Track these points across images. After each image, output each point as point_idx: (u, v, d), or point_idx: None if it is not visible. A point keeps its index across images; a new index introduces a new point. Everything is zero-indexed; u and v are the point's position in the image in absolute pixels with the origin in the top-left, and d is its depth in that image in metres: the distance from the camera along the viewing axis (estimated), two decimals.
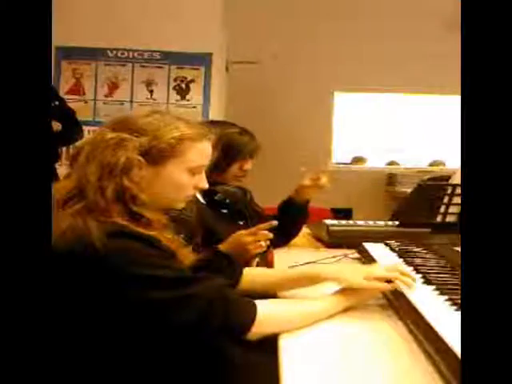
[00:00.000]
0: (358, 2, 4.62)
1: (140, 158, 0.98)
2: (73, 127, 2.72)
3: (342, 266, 1.47)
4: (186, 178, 1.04)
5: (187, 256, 1.02)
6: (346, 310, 1.09)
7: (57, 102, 2.66)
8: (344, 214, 4.29)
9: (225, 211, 1.68)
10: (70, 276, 0.89)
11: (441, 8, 4.19)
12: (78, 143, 1.08)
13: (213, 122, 1.85)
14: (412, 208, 1.93)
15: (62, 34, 3.33)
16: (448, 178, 1.89)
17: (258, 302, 0.97)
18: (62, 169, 3.11)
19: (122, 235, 0.91)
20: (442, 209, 1.84)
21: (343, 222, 2.03)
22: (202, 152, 1.07)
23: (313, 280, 1.15)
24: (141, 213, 0.97)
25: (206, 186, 1.11)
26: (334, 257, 1.62)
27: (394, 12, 4.57)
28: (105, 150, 0.97)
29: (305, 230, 2.02)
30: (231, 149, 1.68)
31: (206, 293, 0.93)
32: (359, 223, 1.97)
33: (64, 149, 3.24)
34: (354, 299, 1.09)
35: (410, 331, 0.97)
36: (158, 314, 0.90)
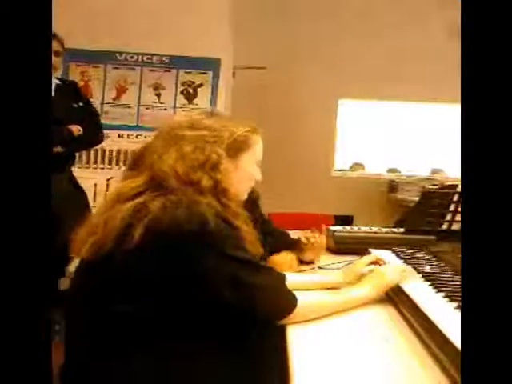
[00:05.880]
0: (366, 9, 4.66)
1: (224, 152, 1.03)
2: (95, 130, 2.65)
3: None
4: (255, 169, 1.13)
5: (258, 249, 1.06)
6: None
7: (81, 104, 2.59)
8: (344, 220, 4.29)
9: None
10: (169, 249, 0.91)
11: (446, 16, 4.21)
12: (139, 146, 1.08)
13: None
14: (418, 215, 1.95)
15: (70, 37, 3.35)
16: (455, 185, 1.91)
17: (300, 293, 1.05)
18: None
19: (223, 218, 0.95)
20: (449, 216, 1.86)
21: (348, 228, 2.04)
22: (261, 145, 1.15)
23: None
24: (229, 205, 1.02)
25: (261, 177, 1.17)
26: (339, 263, 1.65)
27: (399, 20, 4.61)
28: (187, 147, 1.00)
29: None
30: None
31: (280, 280, 1.04)
32: (364, 229, 1.98)
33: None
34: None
35: (418, 335, 1.00)
36: (246, 294, 0.95)
